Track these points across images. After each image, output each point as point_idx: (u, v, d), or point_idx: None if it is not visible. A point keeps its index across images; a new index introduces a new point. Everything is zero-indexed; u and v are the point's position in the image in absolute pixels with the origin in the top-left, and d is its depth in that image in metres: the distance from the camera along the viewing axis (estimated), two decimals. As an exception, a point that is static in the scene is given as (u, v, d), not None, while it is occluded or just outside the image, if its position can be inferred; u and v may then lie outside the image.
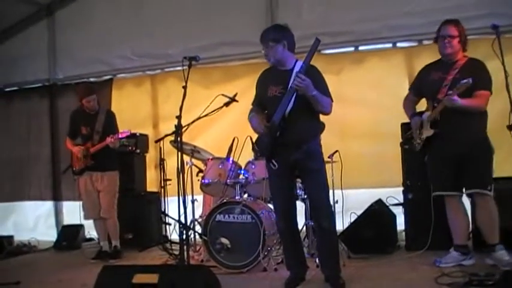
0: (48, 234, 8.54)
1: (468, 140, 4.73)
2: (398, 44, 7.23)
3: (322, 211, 4.43)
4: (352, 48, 7.48)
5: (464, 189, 4.88)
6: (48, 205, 8.97)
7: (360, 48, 7.44)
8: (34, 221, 9.07)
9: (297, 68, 4.32)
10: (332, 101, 4.40)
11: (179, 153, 4.44)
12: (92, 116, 6.52)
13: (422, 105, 5.25)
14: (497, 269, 4.37)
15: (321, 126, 5.41)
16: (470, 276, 4.06)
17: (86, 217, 6.70)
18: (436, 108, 4.77)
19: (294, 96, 4.25)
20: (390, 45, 7.26)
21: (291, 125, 4.28)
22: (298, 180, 5.25)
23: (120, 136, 6.24)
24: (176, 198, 4.44)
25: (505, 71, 4.38)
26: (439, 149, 4.89)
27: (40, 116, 9.06)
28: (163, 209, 7.07)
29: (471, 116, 4.69)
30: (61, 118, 8.64)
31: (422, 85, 5.12)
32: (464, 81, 4.38)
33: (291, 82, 4.28)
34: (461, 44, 4.85)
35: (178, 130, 4.49)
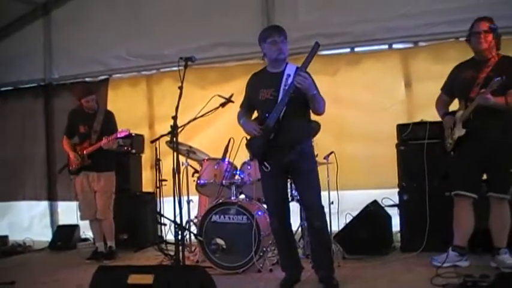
0: (43, 234, 8.52)
1: (497, 140, 4.67)
2: (394, 46, 7.25)
3: (314, 211, 4.43)
4: (348, 50, 7.49)
5: (488, 192, 4.83)
6: (43, 205, 8.95)
7: (356, 49, 7.45)
8: (29, 221, 9.04)
9: (288, 71, 4.34)
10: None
11: (175, 154, 4.43)
12: (90, 115, 6.51)
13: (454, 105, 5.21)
14: (492, 271, 4.37)
15: (316, 126, 5.43)
16: (465, 278, 4.07)
17: (82, 218, 6.68)
18: (469, 108, 4.72)
19: (288, 99, 4.25)
20: (386, 46, 7.29)
21: (284, 127, 4.29)
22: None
23: (118, 135, 6.23)
24: (172, 198, 4.44)
25: None
26: (469, 149, 4.82)
27: (35, 116, 9.04)
28: (158, 210, 7.06)
29: (504, 115, 4.63)
30: (56, 118, 8.64)
31: (454, 85, 5.05)
32: (497, 79, 4.35)
33: (283, 84, 4.30)
34: (495, 42, 4.78)
35: (174, 130, 4.49)
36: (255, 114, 4.66)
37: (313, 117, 4.65)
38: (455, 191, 4.97)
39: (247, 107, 4.68)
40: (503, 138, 4.68)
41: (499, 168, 4.73)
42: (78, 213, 6.67)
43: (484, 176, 4.98)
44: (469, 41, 4.90)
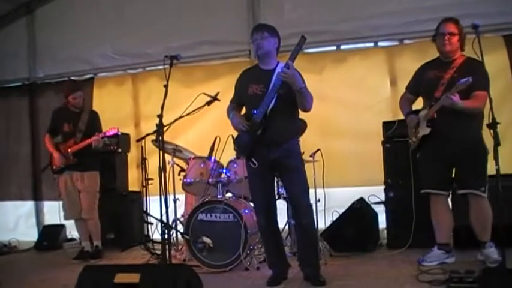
0: (28, 235, 8.44)
1: (464, 140, 4.71)
2: (380, 43, 7.29)
3: (301, 209, 4.45)
4: (333, 48, 7.53)
5: (458, 190, 4.87)
6: (28, 205, 8.89)
7: (342, 47, 7.49)
8: (14, 221, 8.96)
9: (278, 69, 4.34)
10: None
11: (161, 153, 4.43)
12: (75, 114, 6.47)
13: (418, 103, 5.25)
14: (477, 266, 4.40)
15: (302, 125, 5.44)
16: (451, 274, 4.08)
17: (66, 217, 6.64)
18: (433, 107, 4.75)
19: (275, 95, 4.26)
20: (371, 44, 7.32)
21: (271, 124, 4.30)
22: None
23: (107, 134, 6.19)
24: (158, 197, 4.43)
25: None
26: (433, 148, 4.87)
27: (20, 115, 8.98)
28: (145, 209, 7.04)
29: (468, 116, 4.65)
30: (41, 117, 8.57)
31: (419, 84, 5.09)
32: (464, 80, 4.35)
33: (273, 80, 4.30)
34: (460, 43, 4.84)
35: (160, 129, 4.48)
36: (244, 111, 4.66)
37: (300, 114, 4.66)
38: (425, 189, 5.03)
39: (236, 102, 4.68)
40: (468, 137, 4.72)
41: (467, 165, 4.76)
42: (62, 213, 6.63)
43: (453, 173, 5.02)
44: (435, 41, 4.96)
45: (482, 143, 4.74)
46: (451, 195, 5.13)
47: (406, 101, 5.27)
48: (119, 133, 6.39)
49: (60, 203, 6.69)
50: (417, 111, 5.08)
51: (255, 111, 4.35)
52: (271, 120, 4.31)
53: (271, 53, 4.48)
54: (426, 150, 4.99)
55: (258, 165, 4.42)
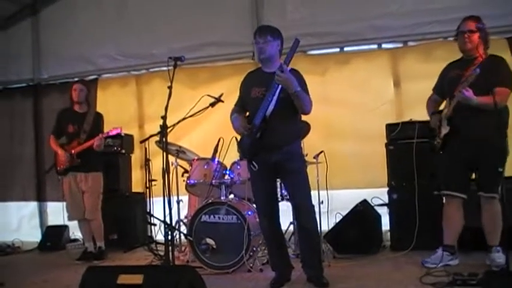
0: (32, 235, 8.46)
1: (483, 139, 4.67)
2: (383, 45, 7.28)
3: (304, 211, 4.45)
4: (337, 49, 7.52)
5: (477, 191, 4.84)
6: (32, 206, 8.89)
7: (345, 49, 7.48)
8: (18, 221, 8.98)
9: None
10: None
11: (164, 154, 4.43)
12: (80, 115, 6.47)
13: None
14: (481, 269, 4.39)
15: (305, 127, 5.44)
16: (454, 276, 4.09)
17: (70, 218, 6.64)
18: (451, 105, 4.76)
19: (275, 98, 4.27)
20: (375, 46, 7.32)
21: (272, 127, 4.30)
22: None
23: (110, 133, 6.20)
24: (161, 198, 4.44)
25: None
26: (454, 148, 4.85)
27: (24, 116, 8.98)
28: (148, 210, 7.05)
29: (487, 113, 4.48)
30: (45, 118, 8.59)
31: (443, 84, 5.07)
32: (472, 72, 4.38)
33: (272, 84, 4.31)
34: (482, 41, 4.80)
35: (164, 130, 4.48)
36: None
37: (303, 117, 4.66)
38: (445, 191, 5.00)
39: (240, 106, 4.69)
40: (486, 136, 4.65)
41: (485, 167, 4.74)
42: (66, 214, 6.63)
43: (473, 175, 4.99)
44: (456, 40, 4.95)
45: (503, 142, 4.70)
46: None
47: (432, 103, 5.25)
48: (122, 133, 6.40)
49: (64, 203, 6.69)
50: (441, 111, 5.06)
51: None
52: (271, 123, 4.30)
53: (273, 57, 4.48)
54: (448, 150, 4.94)
55: (259, 167, 4.42)
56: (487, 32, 4.83)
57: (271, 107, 4.30)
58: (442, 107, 5.18)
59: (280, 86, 4.23)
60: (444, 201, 5.04)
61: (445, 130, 4.88)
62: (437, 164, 5.15)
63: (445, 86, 5.03)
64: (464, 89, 4.48)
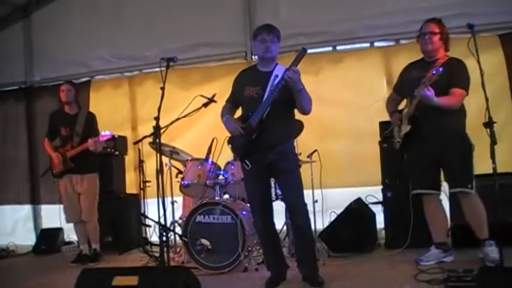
0: (26, 238, 8.42)
1: (446, 138, 4.76)
2: (376, 44, 7.31)
3: (297, 210, 4.44)
4: (330, 48, 7.55)
5: (448, 189, 4.90)
6: (26, 209, 8.88)
7: (338, 48, 7.51)
8: (12, 225, 8.95)
9: (276, 72, 4.35)
10: None
11: (158, 155, 4.42)
12: (72, 117, 6.45)
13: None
14: (475, 265, 4.40)
15: (298, 126, 5.44)
16: (449, 273, 4.09)
17: (68, 220, 6.61)
18: (412, 104, 4.80)
19: (272, 100, 4.26)
20: (367, 44, 7.35)
21: (267, 127, 4.29)
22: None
23: (101, 139, 6.17)
24: (156, 200, 4.44)
25: (481, 70, 4.41)
26: (417, 147, 4.90)
27: (17, 118, 8.97)
28: (143, 211, 7.05)
29: (447, 113, 4.71)
30: (38, 121, 8.59)
31: (404, 84, 5.13)
32: (434, 71, 4.42)
33: (270, 84, 4.32)
34: (443, 42, 4.89)
35: (157, 131, 4.48)
36: (239, 112, 4.66)
37: (297, 116, 4.66)
38: (414, 190, 5.04)
39: (232, 103, 4.68)
40: (450, 134, 4.77)
41: (453, 164, 4.78)
42: (63, 216, 6.61)
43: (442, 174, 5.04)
44: (418, 41, 5.02)
45: (466, 139, 4.81)
46: (448, 194, 5.14)
47: (392, 102, 5.31)
48: (116, 136, 6.39)
49: (59, 206, 6.69)
50: (401, 111, 5.11)
51: (252, 115, 4.35)
52: (266, 124, 4.30)
53: (275, 58, 4.50)
54: (411, 151, 5.01)
55: (253, 167, 4.42)
56: (447, 34, 4.93)
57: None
58: (401, 106, 5.23)
59: (277, 86, 4.23)
60: (423, 202, 5.05)
61: (405, 129, 4.92)
62: (404, 165, 5.19)
63: (405, 86, 5.09)
64: (426, 89, 4.52)
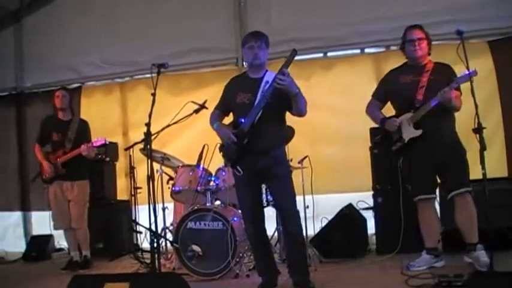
0: (16, 245, 8.38)
1: (448, 142, 4.82)
2: (366, 50, 7.35)
3: (289, 216, 4.44)
4: (321, 55, 7.58)
5: (449, 192, 4.87)
6: (16, 215, 8.82)
7: (329, 54, 7.54)
8: (2, 231, 8.88)
9: (267, 78, 4.36)
10: None
11: (149, 161, 4.42)
12: (65, 123, 6.44)
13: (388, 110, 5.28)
14: (466, 270, 4.42)
15: (290, 132, 5.45)
16: (440, 278, 4.11)
17: (56, 227, 6.58)
18: (422, 109, 4.79)
19: (264, 104, 4.27)
20: (358, 51, 7.39)
21: (258, 132, 4.30)
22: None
23: (94, 144, 6.16)
24: (147, 206, 4.42)
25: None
26: (422, 151, 4.88)
27: (7, 124, 8.92)
28: (133, 218, 7.02)
29: (449, 117, 4.83)
30: (29, 127, 8.54)
31: (390, 91, 5.14)
32: (465, 73, 4.46)
33: (260, 90, 4.33)
34: (429, 47, 4.96)
35: (148, 138, 4.47)
36: (230, 118, 4.66)
37: (288, 121, 4.67)
38: (418, 196, 5.02)
39: (222, 109, 4.68)
40: (451, 139, 4.86)
41: (454, 167, 4.81)
42: (52, 223, 6.58)
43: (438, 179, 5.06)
44: (403, 49, 5.06)
45: (461, 143, 4.89)
46: (438, 199, 5.17)
47: (377, 108, 5.30)
48: (107, 142, 6.38)
49: (49, 213, 6.65)
50: (392, 117, 5.10)
51: (243, 120, 4.35)
52: (258, 128, 4.30)
53: (264, 64, 4.51)
54: (413, 155, 4.98)
55: (245, 173, 4.41)
56: (430, 38, 5.00)
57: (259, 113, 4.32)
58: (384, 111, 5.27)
59: (268, 90, 4.24)
60: (418, 206, 5.06)
61: (412, 134, 4.90)
62: (403, 169, 5.17)
63: (395, 92, 5.10)
64: (451, 91, 4.57)
